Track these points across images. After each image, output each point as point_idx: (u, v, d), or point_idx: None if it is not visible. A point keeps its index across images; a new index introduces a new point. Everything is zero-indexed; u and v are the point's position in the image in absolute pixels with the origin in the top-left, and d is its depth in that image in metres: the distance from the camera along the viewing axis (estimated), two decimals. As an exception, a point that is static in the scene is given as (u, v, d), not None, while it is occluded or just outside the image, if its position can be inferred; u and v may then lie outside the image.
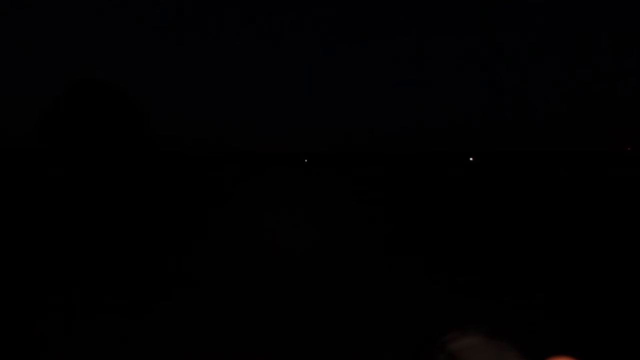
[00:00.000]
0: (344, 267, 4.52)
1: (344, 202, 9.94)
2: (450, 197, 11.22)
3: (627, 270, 4.40)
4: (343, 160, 48.11)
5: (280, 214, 8.09)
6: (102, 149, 11.69)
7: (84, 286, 3.78)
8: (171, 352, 2.62)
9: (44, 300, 3.43)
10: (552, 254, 5.10)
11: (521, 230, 6.62)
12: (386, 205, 9.55)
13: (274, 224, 7.02)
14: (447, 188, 13.94)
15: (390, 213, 8.39)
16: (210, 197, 11.43)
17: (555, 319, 3.14)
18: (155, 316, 3.16)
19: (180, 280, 4.02)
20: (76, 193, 7.05)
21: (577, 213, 8.30)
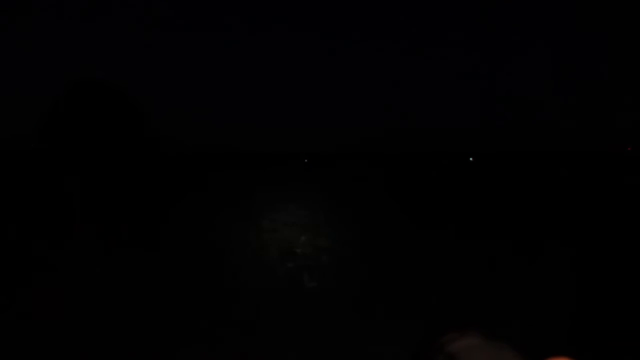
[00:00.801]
0: (343, 267, 4.51)
1: (343, 202, 9.94)
2: (450, 197, 11.22)
3: (627, 270, 4.40)
4: (343, 160, 48.11)
5: (280, 214, 8.09)
6: (102, 149, 11.69)
7: (83, 285, 3.78)
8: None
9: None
10: (551, 253, 5.10)
11: (521, 230, 6.61)
12: (386, 205, 9.54)
13: (273, 224, 7.02)
14: (447, 188, 13.94)
15: (390, 213, 8.38)
16: (209, 197, 11.44)
17: (555, 318, 3.14)
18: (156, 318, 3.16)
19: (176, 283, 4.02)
20: (76, 193, 7.06)
21: (576, 213, 8.29)
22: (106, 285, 3.86)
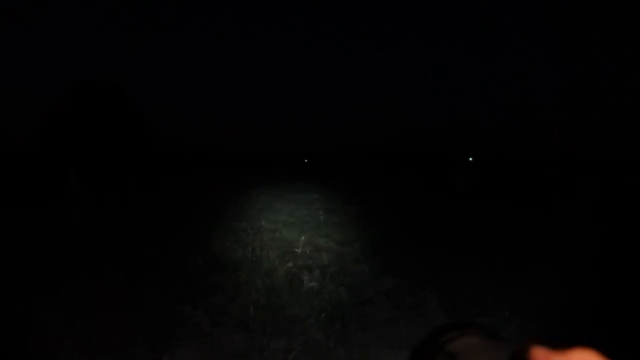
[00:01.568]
0: (343, 267, 4.52)
1: (343, 202, 9.94)
2: (449, 197, 11.22)
3: (626, 270, 4.41)
4: (343, 160, 48.07)
5: (279, 214, 8.10)
6: (102, 149, 11.70)
7: (82, 286, 3.79)
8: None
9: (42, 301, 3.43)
10: (552, 253, 5.11)
11: (521, 230, 6.62)
12: (385, 206, 9.54)
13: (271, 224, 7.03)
14: (447, 188, 13.94)
15: (389, 213, 8.39)
16: (209, 196, 11.44)
17: (555, 318, 3.15)
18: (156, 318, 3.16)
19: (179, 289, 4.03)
20: (76, 193, 7.06)
21: (577, 213, 8.30)
22: (106, 285, 3.86)
